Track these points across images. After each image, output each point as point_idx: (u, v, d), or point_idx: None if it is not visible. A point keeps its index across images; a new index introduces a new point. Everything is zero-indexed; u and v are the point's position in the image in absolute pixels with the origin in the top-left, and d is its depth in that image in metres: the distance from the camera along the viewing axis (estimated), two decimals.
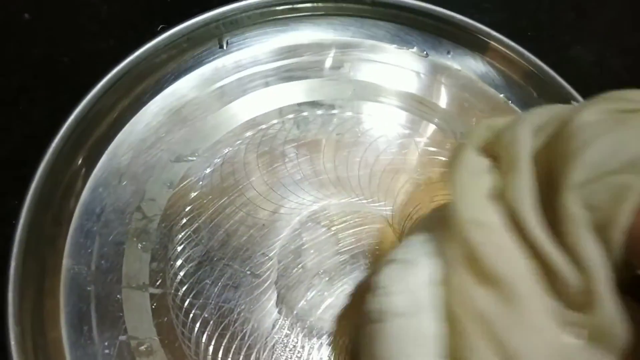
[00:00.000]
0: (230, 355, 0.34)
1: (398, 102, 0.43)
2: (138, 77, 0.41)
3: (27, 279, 0.33)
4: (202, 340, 0.34)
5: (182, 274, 0.36)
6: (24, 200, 0.34)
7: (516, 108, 0.44)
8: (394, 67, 0.45)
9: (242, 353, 0.34)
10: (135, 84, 0.41)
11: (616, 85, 0.42)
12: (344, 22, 0.46)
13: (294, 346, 0.34)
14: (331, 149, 0.41)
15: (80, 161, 0.38)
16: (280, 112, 0.42)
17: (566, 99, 0.42)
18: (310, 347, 0.35)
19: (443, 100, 0.44)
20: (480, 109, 0.44)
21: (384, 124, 0.42)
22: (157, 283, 0.35)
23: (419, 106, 0.43)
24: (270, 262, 0.37)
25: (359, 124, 0.42)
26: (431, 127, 0.43)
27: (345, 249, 0.38)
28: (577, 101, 0.42)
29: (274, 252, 0.37)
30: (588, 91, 0.42)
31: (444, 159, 0.41)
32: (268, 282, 0.36)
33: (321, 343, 0.35)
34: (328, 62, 0.44)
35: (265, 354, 0.34)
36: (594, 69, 0.46)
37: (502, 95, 0.44)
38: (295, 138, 0.41)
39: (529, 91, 0.44)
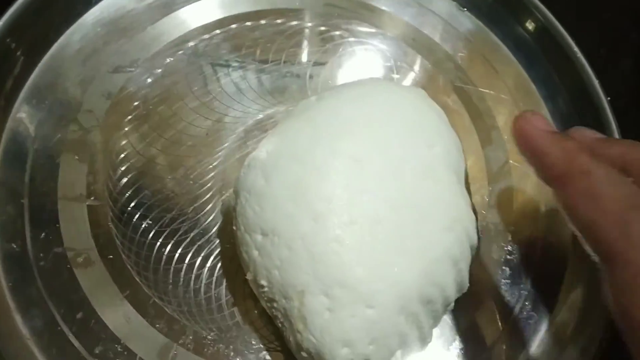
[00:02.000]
0: (173, 264, 0.33)
1: (345, 12, 0.42)
2: None
3: None
4: (143, 250, 0.33)
5: (121, 184, 0.34)
6: None
7: (471, 15, 0.42)
8: None
9: (186, 261, 0.33)
10: None
11: None
12: None
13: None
14: (278, 55, 0.39)
15: (11, 72, 0.36)
16: (222, 22, 0.40)
17: (522, 3, 0.41)
18: None
19: (392, 6, 0.42)
20: (432, 15, 0.42)
21: (333, 33, 0.41)
22: (95, 194, 0.34)
23: (368, 14, 0.42)
24: (215, 171, 0.35)
25: (304, 33, 0.40)
26: (381, 32, 0.41)
27: None
28: (534, 5, 0.41)
29: (219, 160, 0.36)
30: None
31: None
32: (213, 191, 0.35)
33: None
34: None
35: (210, 262, 0.33)
36: None
37: (455, 3, 0.43)
38: (239, 47, 0.39)
39: None
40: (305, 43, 0.40)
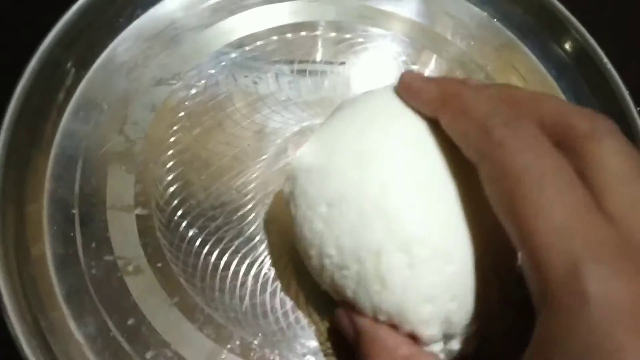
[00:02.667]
0: (219, 272, 0.34)
1: (381, 22, 0.43)
2: None
3: (9, 204, 0.33)
4: (190, 258, 0.34)
5: (167, 194, 0.35)
6: (1, 125, 0.34)
7: (502, 25, 0.43)
8: None
9: (231, 269, 0.34)
10: (113, 6, 0.40)
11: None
12: None
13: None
14: (316, 69, 0.40)
15: (63, 85, 0.37)
16: (263, 34, 0.41)
17: (553, 15, 0.42)
18: None
19: (425, 17, 0.43)
20: (463, 26, 0.43)
21: (369, 45, 0.42)
22: (143, 204, 0.35)
23: (402, 26, 0.43)
24: (257, 181, 0.36)
25: (342, 44, 0.42)
26: (414, 43, 0.42)
27: None
28: (565, 17, 0.41)
29: (260, 171, 0.37)
30: (579, 5, 0.42)
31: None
32: (255, 200, 0.36)
33: None
34: None
35: (254, 270, 0.34)
36: None
37: (486, 14, 0.44)
38: (279, 60, 0.40)
39: (514, 8, 0.43)
40: (343, 55, 0.41)
